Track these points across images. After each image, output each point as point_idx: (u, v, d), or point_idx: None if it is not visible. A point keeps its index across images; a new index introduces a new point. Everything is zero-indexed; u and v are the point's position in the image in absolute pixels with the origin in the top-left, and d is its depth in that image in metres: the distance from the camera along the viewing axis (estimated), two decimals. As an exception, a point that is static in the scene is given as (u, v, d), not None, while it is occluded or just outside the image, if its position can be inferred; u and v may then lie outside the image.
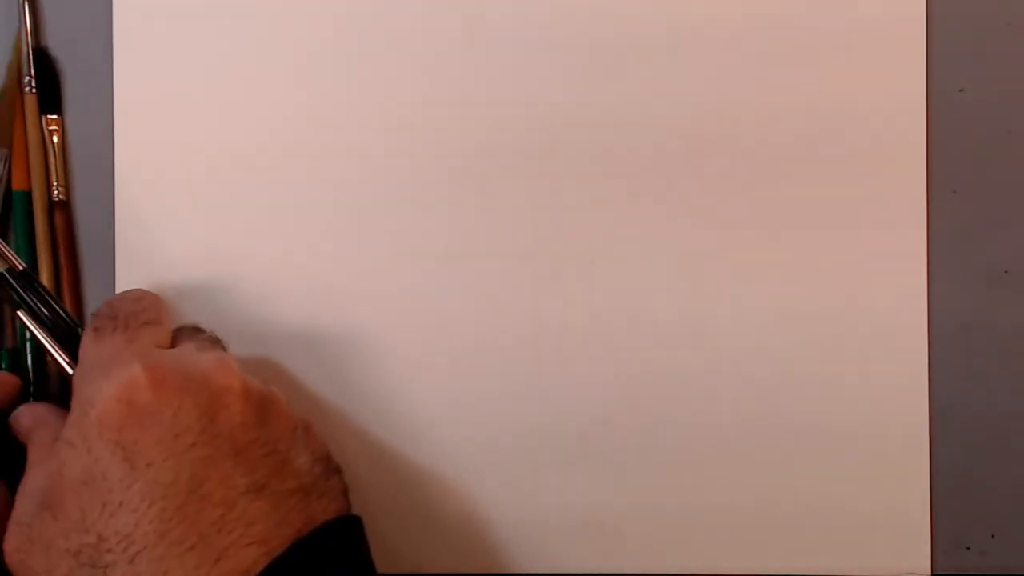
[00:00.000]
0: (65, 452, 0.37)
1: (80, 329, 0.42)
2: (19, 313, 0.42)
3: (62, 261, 0.46)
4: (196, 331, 0.43)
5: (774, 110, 0.46)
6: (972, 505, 0.46)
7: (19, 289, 0.42)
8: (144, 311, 0.41)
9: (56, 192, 0.46)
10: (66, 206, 0.46)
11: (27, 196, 0.46)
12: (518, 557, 0.46)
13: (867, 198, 0.46)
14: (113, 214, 0.46)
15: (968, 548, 0.46)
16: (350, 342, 0.46)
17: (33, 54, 0.46)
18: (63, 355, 0.41)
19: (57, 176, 0.46)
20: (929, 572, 0.46)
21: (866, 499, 0.46)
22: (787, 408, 0.46)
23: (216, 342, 0.42)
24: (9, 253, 0.42)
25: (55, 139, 0.46)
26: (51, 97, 0.46)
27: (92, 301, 0.46)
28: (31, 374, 0.45)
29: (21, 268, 0.42)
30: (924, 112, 0.46)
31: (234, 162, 0.46)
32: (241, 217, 0.46)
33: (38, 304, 0.42)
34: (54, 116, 0.46)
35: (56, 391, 0.45)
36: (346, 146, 0.46)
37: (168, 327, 0.42)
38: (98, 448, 0.36)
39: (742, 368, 0.46)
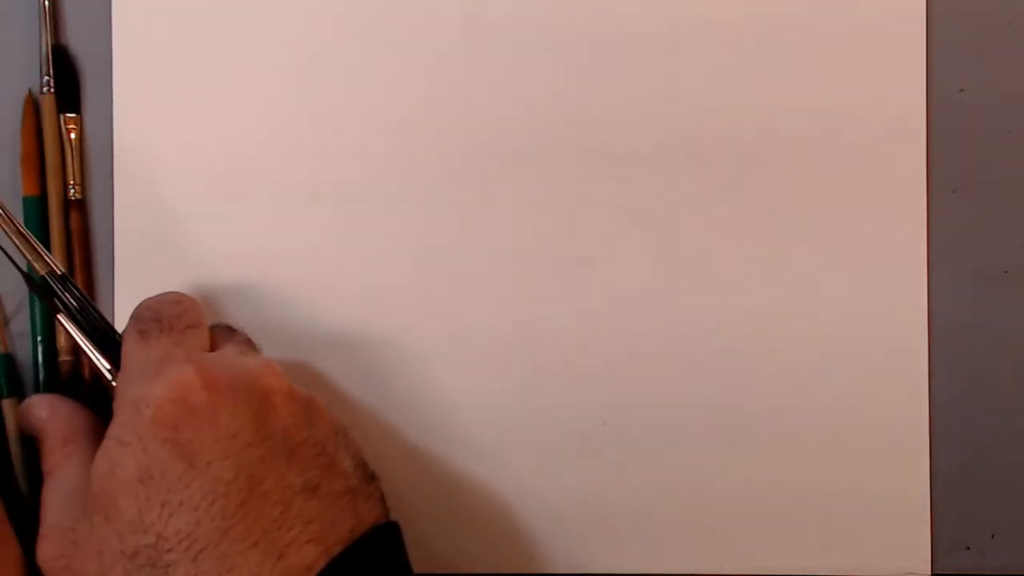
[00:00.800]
0: (116, 451, 0.36)
1: (117, 334, 0.42)
2: (59, 317, 0.42)
3: (77, 260, 0.46)
4: (230, 331, 0.43)
5: (774, 110, 0.46)
6: (972, 505, 0.46)
7: (59, 293, 0.42)
8: (185, 313, 0.41)
9: (72, 191, 0.46)
10: (82, 205, 0.46)
11: (38, 201, 0.46)
12: (516, 556, 0.46)
13: (867, 198, 0.46)
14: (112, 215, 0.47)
15: (968, 548, 0.46)
16: (348, 342, 0.46)
17: (52, 52, 0.46)
18: (103, 360, 0.41)
19: (74, 175, 0.46)
20: (929, 572, 0.46)
21: (866, 499, 0.46)
22: (787, 408, 0.46)
23: (251, 344, 0.42)
24: (48, 257, 0.42)
25: (72, 136, 0.46)
26: (70, 96, 0.46)
27: (106, 300, 0.46)
28: (41, 368, 0.46)
29: (60, 272, 0.42)
30: (924, 112, 0.46)
31: (233, 162, 0.46)
32: (240, 217, 0.46)
33: (77, 308, 0.42)
34: (72, 115, 0.46)
35: (64, 385, 0.46)
36: (346, 146, 0.46)
37: (207, 329, 0.41)
38: (154, 447, 0.36)
39: (742, 369, 0.46)
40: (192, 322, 0.40)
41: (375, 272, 0.46)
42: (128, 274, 0.46)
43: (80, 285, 0.46)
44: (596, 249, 0.46)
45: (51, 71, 0.46)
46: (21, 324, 0.46)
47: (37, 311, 0.46)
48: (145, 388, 0.37)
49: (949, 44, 0.46)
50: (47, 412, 0.41)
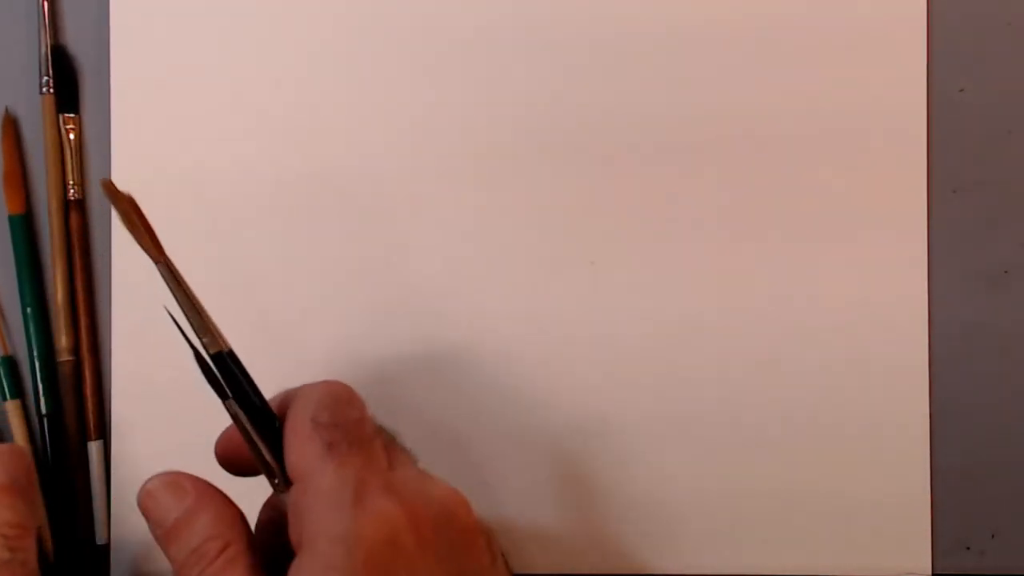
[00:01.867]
0: None
1: (278, 420, 0.36)
2: (227, 404, 0.35)
3: (76, 261, 0.46)
4: (389, 437, 0.39)
5: (774, 110, 0.46)
6: (972, 505, 0.46)
7: (228, 374, 0.35)
8: (363, 420, 0.37)
9: (72, 191, 0.46)
10: (81, 205, 0.46)
11: (23, 219, 0.46)
12: (513, 556, 0.46)
13: (867, 198, 0.46)
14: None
15: (968, 548, 0.46)
16: (348, 342, 0.46)
17: (51, 53, 0.46)
18: (274, 461, 0.35)
19: (73, 175, 0.46)
20: (929, 572, 0.46)
21: (867, 499, 0.46)
22: (787, 408, 0.46)
23: (407, 452, 0.39)
24: (217, 333, 0.35)
25: (71, 137, 0.46)
26: (69, 96, 0.46)
27: (104, 299, 0.46)
28: (41, 369, 0.45)
29: (228, 350, 0.35)
30: (924, 112, 0.46)
31: (232, 163, 0.46)
32: (238, 217, 0.46)
33: (244, 392, 0.35)
34: (71, 115, 0.46)
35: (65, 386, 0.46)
36: (346, 146, 0.46)
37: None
38: None
39: (742, 369, 0.46)
40: (372, 431, 0.37)
41: (373, 272, 0.46)
42: (127, 273, 0.46)
43: (79, 285, 0.46)
44: (596, 249, 0.46)
45: (50, 71, 0.46)
46: (20, 324, 0.46)
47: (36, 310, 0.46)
48: (350, 522, 0.34)
49: (949, 44, 0.46)
50: (193, 499, 0.35)
